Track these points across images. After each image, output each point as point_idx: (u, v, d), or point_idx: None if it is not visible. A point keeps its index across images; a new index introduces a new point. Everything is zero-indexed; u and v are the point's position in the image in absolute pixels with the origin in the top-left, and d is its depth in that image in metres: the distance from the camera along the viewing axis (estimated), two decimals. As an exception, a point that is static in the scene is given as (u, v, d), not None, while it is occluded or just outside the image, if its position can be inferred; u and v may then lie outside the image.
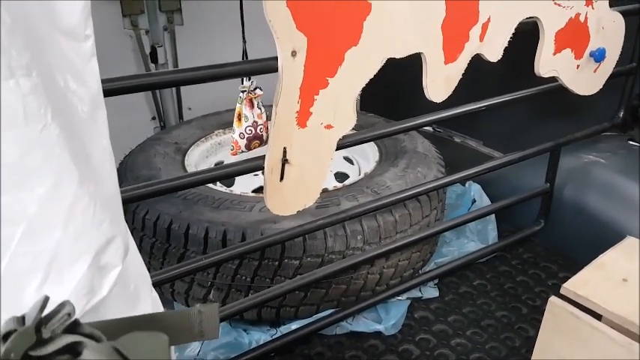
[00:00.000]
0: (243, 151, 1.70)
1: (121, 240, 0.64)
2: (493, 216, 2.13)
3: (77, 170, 0.57)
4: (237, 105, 1.67)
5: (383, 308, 1.79)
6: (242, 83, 1.65)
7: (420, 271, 1.93)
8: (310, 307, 1.69)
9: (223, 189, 1.79)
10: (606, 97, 1.92)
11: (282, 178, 1.25)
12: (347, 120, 1.29)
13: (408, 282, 1.83)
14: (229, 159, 1.87)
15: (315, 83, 1.18)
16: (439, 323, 1.78)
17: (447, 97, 1.44)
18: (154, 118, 2.81)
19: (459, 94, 1.47)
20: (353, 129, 1.33)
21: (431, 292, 1.90)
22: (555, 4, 1.53)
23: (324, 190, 1.64)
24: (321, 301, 1.69)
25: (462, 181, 2.14)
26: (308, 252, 1.57)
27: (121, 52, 2.57)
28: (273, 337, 1.65)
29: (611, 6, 1.72)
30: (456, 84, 1.44)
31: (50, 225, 0.55)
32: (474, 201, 2.24)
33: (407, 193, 1.66)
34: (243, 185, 1.88)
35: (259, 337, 1.65)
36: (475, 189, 2.26)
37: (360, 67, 1.23)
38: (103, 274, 0.61)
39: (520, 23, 1.49)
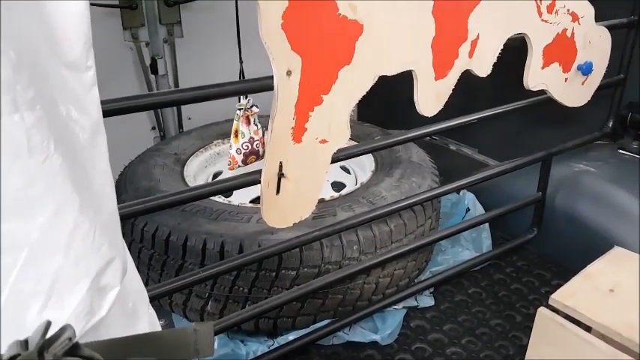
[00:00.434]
0: (240, 166, 1.73)
1: (119, 261, 0.66)
2: (487, 224, 2.16)
3: (78, 197, 0.59)
4: (234, 122, 1.70)
5: (379, 318, 1.81)
6: (239, 101, 1.68)
7: (416, 280, 1.96)
8: (307, 318, 1.71)
9: (221, 199, 1.82)
10: (596, 108, 1.95)
11: (278, 191, 1.28)
12: (341, 134, 1.33)
13: (404, 291, 1.85)
14: (227, 171, 1.90)
15: (310, 101, 1.21)
16: (435, 332, 1.80)
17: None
18: (153, 128, 2.84)
19: (455, 101, 1.50)
20: (350, 139, 1.37)
21: (426, 300, 1.92)
22: (542, 20, 1.57)
23: (321, 201, 1.66)
24: (318, 311, 1.71)
25: (456, 190, 2.16)
26: (305, 263, 1.59)
27: (122, 63, 2.61)
28: (271, 347, 1.66)
29: (597, 21, 1.75)
30: (446, 98, 1.47)
31: (51, 251, 0.57)
32: (468, 209, 2.27)
33: (402, 204, 1.69)
34: (242, 195, 1.90)
35: (257, 348, 1.66)
36: (469, 197, 2.29)
37: (353, 84, 1.26)
38: (103, 295, 0.63)
39: (509, 39, 1.52)
